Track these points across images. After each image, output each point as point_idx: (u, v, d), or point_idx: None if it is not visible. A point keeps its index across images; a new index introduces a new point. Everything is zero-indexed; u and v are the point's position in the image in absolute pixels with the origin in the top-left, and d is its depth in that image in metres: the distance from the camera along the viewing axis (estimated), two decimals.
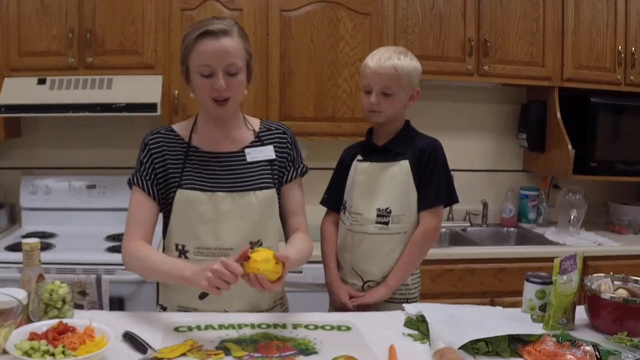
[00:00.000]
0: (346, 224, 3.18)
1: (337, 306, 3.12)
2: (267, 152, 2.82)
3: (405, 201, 3.07)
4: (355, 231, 3.12)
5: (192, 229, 2.69)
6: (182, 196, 2.69)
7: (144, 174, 2.73)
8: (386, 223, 3.06)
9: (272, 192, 2.77)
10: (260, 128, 2.90)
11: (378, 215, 3.07)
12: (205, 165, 2.74)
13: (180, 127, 2.84)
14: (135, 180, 2.74)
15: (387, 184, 3.08)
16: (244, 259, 2.36)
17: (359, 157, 3.19)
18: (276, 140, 2.88)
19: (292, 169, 2.88)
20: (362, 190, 3.12)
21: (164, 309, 2.84)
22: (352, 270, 3.16)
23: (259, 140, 2.85)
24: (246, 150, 2.80)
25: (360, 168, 3.14)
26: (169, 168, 2.72)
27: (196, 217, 2.68)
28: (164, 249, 2.83)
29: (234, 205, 2.69)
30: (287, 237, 2.88)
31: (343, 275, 3.21)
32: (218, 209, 2.68)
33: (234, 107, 2.72)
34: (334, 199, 3.29)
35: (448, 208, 5.29)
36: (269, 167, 2.80)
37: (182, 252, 2.72)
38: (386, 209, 3.06)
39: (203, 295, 2.39)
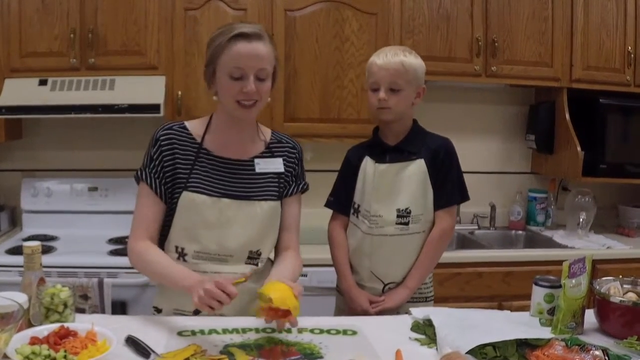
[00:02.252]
0: (362, 229, 3.15)
1: (357, 313, 3.09)
2: (276, 165, 2.83)
3: (423, 200, 3.09)
4: (374, 234, 3.11)
5: (195, 232, 2.69)
6: (188, 198, 2.68)
7: (153, 170, 2.71)
8: (406, 223, 3.07)
9: (277, 204, 2.79)
10: (271, 139, 2.90)
11: (398, 216, 3.08)
12: (215, 170, 2.74)
13: (194, 126, 2.82)
14: (143, 176, 2.72)
15: (406, 184, 3.08)
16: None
17: (371, 158, 3.17)
18: (286, 153, 2.88)
19: (294, 184, 2.88)
20: (381, 192, 3.11)
21: (159, 311, 2.83)
22: (371, 274, 3.15)
23: (269, 152, 2.85)
24: (256, 161, 2.80)
25: (378, 170, 3.12)
26: (177, 167, 2.71)
27: (200, 222, 2.68)
28: (163, 249, 2.80)
29: (238, 213, 2.69)
30: (276, 251, 2.88)
31: (360, 280, 3.19)
32: (222, 215, 2.68)
33: (258, 112, 2.71)
34: (342, 202, 3.27)
35: (455, 210, 5.25)
36: (277, 180, 2.81)
37: (181, 255, 2.71)
38: (406, 209, 3.07)
39: (197, 312, 2.36)
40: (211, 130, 2.80)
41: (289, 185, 2.85)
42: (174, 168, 2.71)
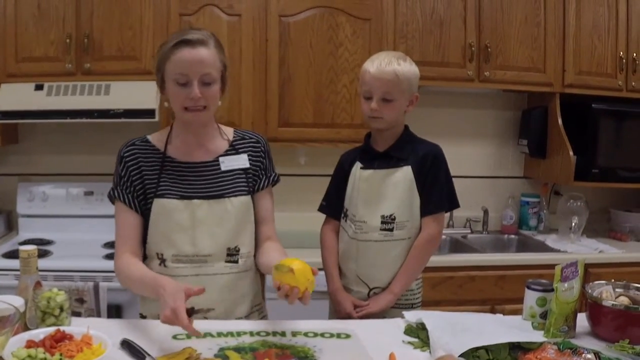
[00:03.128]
0: (349, 233, 3.17)
1: (342, 316, 3.10)
2: (241, 161, 2.85)
3: (409, 207, 3.07)
4: (359, 239, 3.12)
5: (169, 237, 2.72)
6: (159, 204, 2.72)
7: (124, 187, 2.76)
8: (391, 230, 3.06)
9: (247, 198, 2.81)
10: (234, 137, 2.93)
11: (382, 222, 3.07)
12: (181, 175, 2.77)
13: (155, 138, 2.87)
14: (115, 194, 2.78)
15: (391, 191, 3.08)
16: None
17: (360, 164, 3.17)
18: (250, 148, 2.90)
19: (264, 177, 2.90)
20: (366, 198, 3.11)
21: (144, 317, 2.86)
22: (357, 278, 3.16)
23: (233, 149, 2.88)
24: (220, 159, 2.83)
25: (363, 176, 3.13)
26: (145, 178, 2.76)
27: (173, 225, 2.72)
28: (145, 257, 2.83)
29: (210, 212, 2.73)
30: (257, 244, 2.89)
31: (347, 283, 3.20)
32: (194, 216, 2.72)
33: (207, 116, 2.75)
34: (334, 206, 3.28)
35: (448, 214, 5.30)
36: (244, 175, 2.83)
37: (162, 261, 2.75)
38: (390, 215, 3.06)
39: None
40: (172, 138, 2.84)
41: (259, 179, 2.88)
42: (142, 180, 2.75)
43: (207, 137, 2.85)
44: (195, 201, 2.71)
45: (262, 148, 2.93)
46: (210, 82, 2.64)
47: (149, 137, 2.86)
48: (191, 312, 2.34)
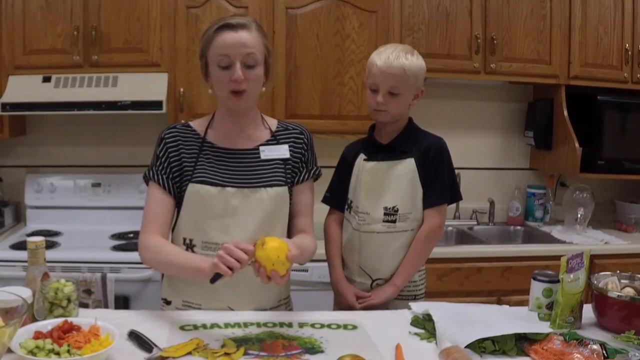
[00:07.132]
0: (353, 224, 3.16)
1: (344, 307, 3.10)
2: (281, 152, 2.83)
3: (412, 199, 3.07)
4: (362, 231, 3.11)
5: (201, 223, 2.70)
6: (193, 190, 2.70)
7: (160, 168, 2.74)
8: (393, 221, 3.06)
9: (284, 190, 2.77)
10: (277, 127, 2.91)
11: (385, 214, 3.06)
12: (219, 160, 2.76)
13: (197, 123, 2.86)
14: (151, 174, 2.76)
15: (394, 183, 3.07)
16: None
17: (364, 156, 3.17)
18: (292, 140, 2.88)
19: (305, 170, 2.88)
20: (369, 190, 3.10)
21: (168, 302, 2.85)
22: (360, 269, 3.15)
23: (275, 140, 2.86)
24: (261, 148, 2.81)
25: (366, 168, 3.13)
26: (183, 161, 2.74)
27: (206, 212, 2.69)
28: (171, 242, 2.81)
29: (244, 201, 2.70)
30: (290, 237, 2.85)
31: (350, 274, 3.20)
32: (228, 205, 2.69)
33: (250, 100, 2.73)
34: (337, 198, 3.28)
35: (454, 206, 5.30)
36: (283, 166, 2.80)
37: (190, 247, 2.73)
38: (393, 207, 3.06)
39: (215, 279, 2.36)
40: (214, 124, 2.83)
41: (299, 171, 2.86)
42: (180, 163, 2.74)
43: (249, 125, 2.83)
44: (230, 189, 2.69)
45: (305, 140, 2.91)
46: (253, 64, 2.63)
47: (191, 123, 2.86)
48: (216, 278, 2.36)
